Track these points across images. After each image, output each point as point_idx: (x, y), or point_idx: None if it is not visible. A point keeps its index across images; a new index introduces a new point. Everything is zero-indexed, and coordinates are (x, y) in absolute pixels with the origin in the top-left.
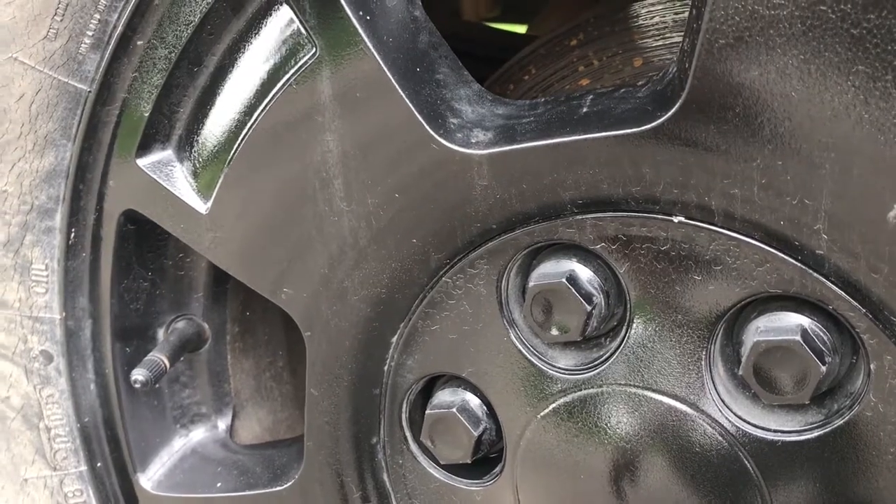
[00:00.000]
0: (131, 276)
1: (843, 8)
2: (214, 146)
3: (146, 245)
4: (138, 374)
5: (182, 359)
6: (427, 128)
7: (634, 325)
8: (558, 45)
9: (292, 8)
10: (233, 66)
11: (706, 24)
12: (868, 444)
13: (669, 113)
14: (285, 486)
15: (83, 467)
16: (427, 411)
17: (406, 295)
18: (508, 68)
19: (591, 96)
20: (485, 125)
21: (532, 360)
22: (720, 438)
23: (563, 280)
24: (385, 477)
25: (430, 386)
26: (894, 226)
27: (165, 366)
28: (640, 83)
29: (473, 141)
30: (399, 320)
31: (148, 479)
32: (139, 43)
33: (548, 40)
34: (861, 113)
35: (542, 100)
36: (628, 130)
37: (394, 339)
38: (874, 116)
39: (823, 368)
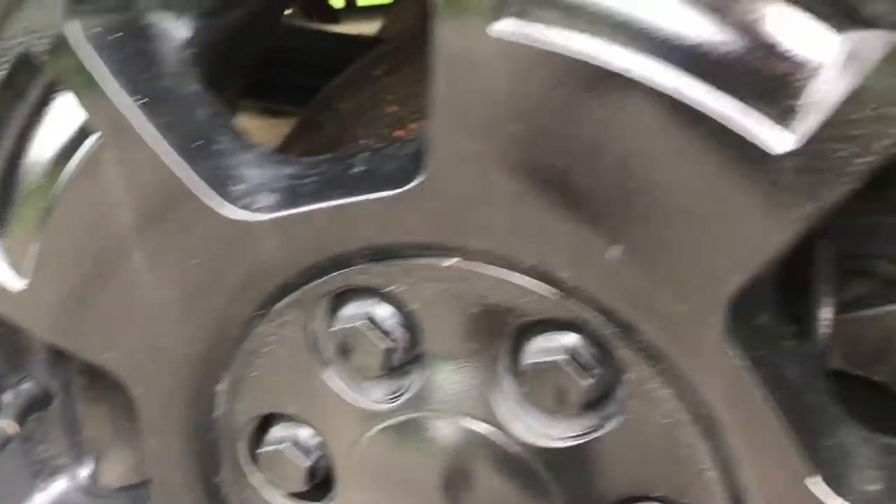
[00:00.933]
0: None
1: None
2: (24, 226)
3: None
4: None
5: (33, 417)
6: (207, 200)
7: (430, 357)
8: (366, 74)
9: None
10: (25, 150)
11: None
12: (633, 437)
13: (422, 176)
14: None
15: None
16: (260, 449)
17: (224, 347)
18: (325, 95)
19: (364, 154)
20: (270, 188)
21: (344, 395)
22: (515, 448)
23: (360, 323)
24: None
25: (269, 420)
26: (615, 263)
27: (13, 430)
28: (408, 140)
29: (257, 206)
30: (222, 370)
31: None
32: None
33: (357, 68)
34: None
35: (323, 158)
36: (390, 193)
37: (219, 388)
38: None
39: (586, 383)
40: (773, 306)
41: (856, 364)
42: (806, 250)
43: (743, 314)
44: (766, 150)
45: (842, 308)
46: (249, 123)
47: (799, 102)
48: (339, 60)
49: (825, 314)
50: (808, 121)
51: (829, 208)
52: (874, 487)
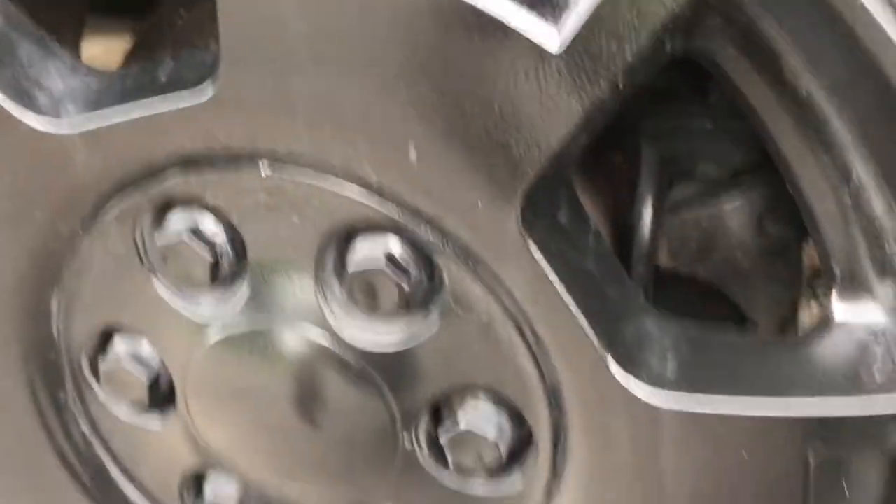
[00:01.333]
0: None
1: None
2: None
3: None
4: None
5: None
6: (8, 110)
7: (257, 267)
8: None
9: None
10: None
11: None
12: (457, 336)
13: (217, 83)
14: None
15: None
16: (100, 365)
17: (50, 264)
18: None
19: (168, 62)
20: (76, 98)
21: (175, 305)
22: (346, 353)
23: (183, 235)
24: (83, 428)
25: (109, 334)
26: (415, 163)
27: None
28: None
29: (64, 116)
30: (52, 287)
31: None
32: None
33: None
34: None
35: (130, 67)
36: (190, 100)
37: (53, 305)
38: None
39: (407, 286)
40: (572, 206)
41: (681, 263)
42: (632, 154)
43: (541, 211)
44: (539, 47)
45: (669, 209)
46: (96, 45)
47: (563, 1)
48: None
49: (647, 214)
50: (572, 18)
51: (601, 104)
52: (668, 372)
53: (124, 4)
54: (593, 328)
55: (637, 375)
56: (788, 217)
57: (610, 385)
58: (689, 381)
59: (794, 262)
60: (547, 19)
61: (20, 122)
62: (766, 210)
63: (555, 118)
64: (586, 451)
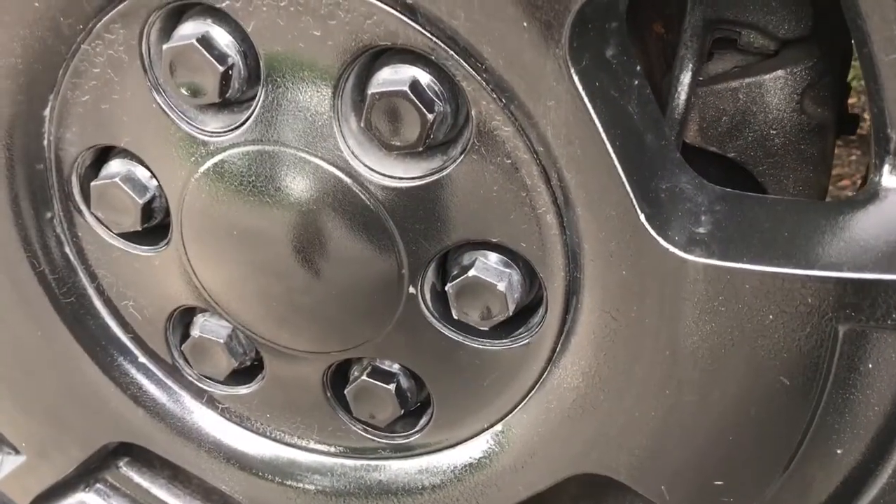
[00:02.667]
0: None
1: None
2: None
3: None
4: None
5: None
6: None
7: (270, 84)
8: None
9: None
10: None
11: None
12: (476, 180)
13: None
14: None
15: None
16: (93, 182)
17: (47, 65)
18: None
19: None
20: None
21: (180, 123)
22: (355, 187)
23: (194, 42)
24: (67, 250)
25: (104, 156)
26: None
27: None
28: None
29: None
30: (47, 92)
31: None
32: None
33: None
34: None
35: None
36: None
37: (46, 113)
38: None
39: (431, 116)
40: (620, 44)
41: (710, 139)
42: (675, 20)
43: (588, 42)
44: None
45: (706, 81)
46: None
47: None
48: None
49: (685, 78)
50: None
51: None
52: (701, 230)
53: None
54: (629, 178)
55: (669, 231)
56: (829, 97)
57: (638, 240)
58: (722, 240)
59: (827, 147)
60: None
61: None
62: (808, 86)
63: None
64: (600, 311)
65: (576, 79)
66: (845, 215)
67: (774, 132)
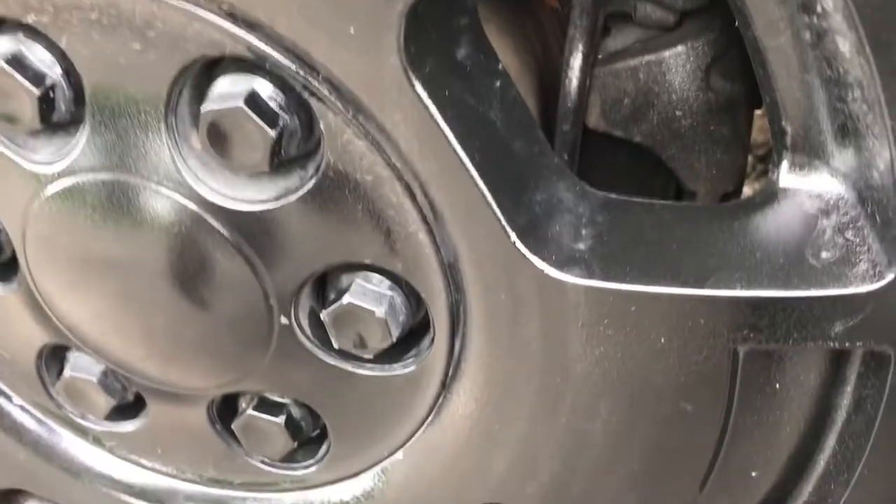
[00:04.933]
0: None
1: None
2: None
3: None
4: None
5: None
6: None
7: (95, 105)
8: None
9: None
10: None
11: None
12: (337, 199)
13: None
14: None
15: None
16: None
17: None
18: None
19: None
20: None
21: (6, 152)
22: (203, 214)
23: (2, 63)
24: None
25: None
26: None
27: None
28: None
29: None
30: None
31: None
32: None
33: None
34: None
35: None
36: None
37: None
38: None
39: (273, 132)
40: (474, 41)
41: (614, 123)
42: None
43: (431, 43)
44: None
45: (603, 60)
46: None
47: None
48: None
49: (576, 62)
50: None
51: None
52: (581, 246)
53: None
54: (494, 194)
55: (546, 250)
56: (737, 71)
57: (511, 261)
58: (605, 257)
59: (741, 125)
60: None
61: None
62: (713, 60)
63: None
64: (485, 335)
65: (419, 87)
66: (740, 221)
67: (680, 113)
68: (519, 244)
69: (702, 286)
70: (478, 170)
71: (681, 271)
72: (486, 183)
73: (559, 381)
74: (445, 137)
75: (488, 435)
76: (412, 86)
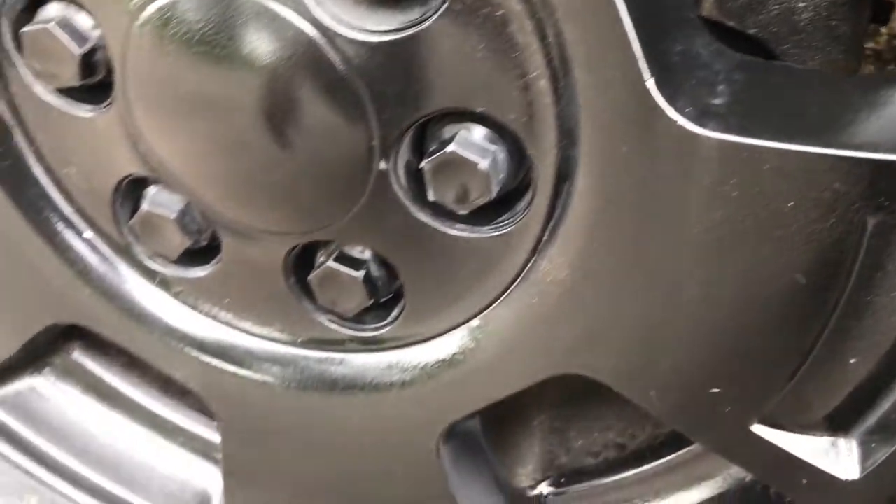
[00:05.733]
0: None
1: None
2: None
3: None
4: None
5: None
6: None
7: None
8: None
9: None
10: None
11: None
12: (459, 36)
13: None
14: None
15: None
16: (24, 28)
17: None
18: None
19: None
20: None
21: None
22: (319, 40)
23: None
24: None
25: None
26: None
27: None
28: None
29: None
30: None
31: None
32: None
33: None
34: None
35: None
36: None
37: None
38: None
39: None
40: None
41: (728, 12)
42: None
43: None
44: None
45: None
46: None
47: None
48: None
49: None
50: None
51: None
52: (717, 101)
53: None
54: (637, 35)
55: (680, 101)
56: None
57: (643, 110)
58: (742, 113)
59: (861, 24)
60: None
61: None
62: None
63: None
64: (596, 194)
65: None
66: (885, 91)
67: (803, 4)
68: (655, 91)
69: (843, 147)
70: (625, 7)
71: (821, 132)
72: (631, 23)
73: (668, 246)
74: None
75: (578, 303)
76: None
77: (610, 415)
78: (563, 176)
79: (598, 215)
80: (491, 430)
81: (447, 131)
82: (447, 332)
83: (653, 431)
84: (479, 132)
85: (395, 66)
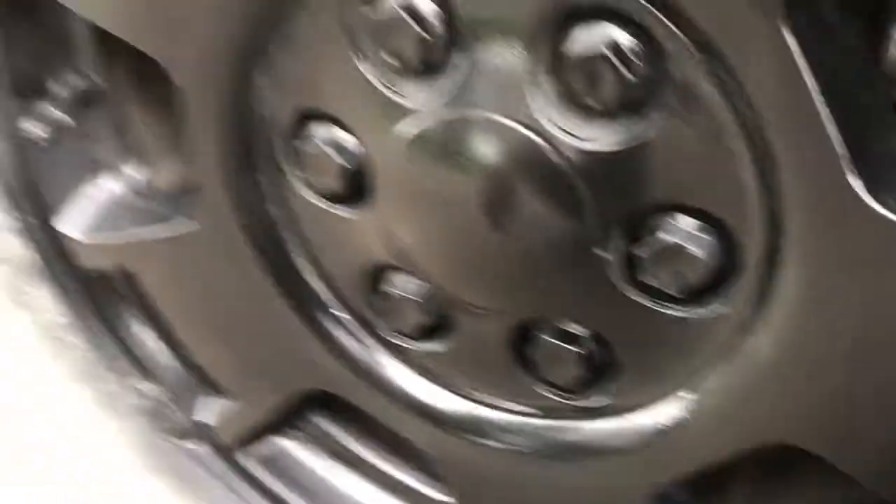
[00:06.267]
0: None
1: None
2: None
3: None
4: (39, 128)
5: (81, 111)
6: None
7: (467, 50)
8: None
9: None
10: None
11: None
12: (675, 142)
13: None
14: (187, 223)
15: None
16: (297, 145)
17: (261, 33)
18: None
19: None
20: None
21: (381, 90)
22: (547, 150)
23: (398, 9)
24: (269, 207)
25: (309, 118)
26: None
27: (65, 119)
28: None
29: None
30: (260, 57)
31: (66, 225)
32: None
33: None
34: None
35: None
36: None
37: (257, 78)
38: None
39: (630, 77)
40: (838, 2)
41: None
42: None
43: (802, 2)
44: None
45: None
46: None
47: None
48: None
49: None
50: None
51: None
52: None
53: None
54: (840, 138)
55: (883, 196)
56: None
57: (848, 205)
58: None
59: None
60: None
61: None
62: None
63: None
64: (804, 276)
65: (791, 38)
66: None
67: None
68: (858, 186)
69: None
70: (828, 115)
71: None
72: (834, 128)
73: (870, 326)
74: (805, 87)
75: (785, 377)
76: (782, 35)
77: (813, 485)
78: (771, 261)
79: (804, 297)
80: (697, 498)
81: (660, 221)
82: (660, 401)
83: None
84: (692, 222)
85: (615, 169)
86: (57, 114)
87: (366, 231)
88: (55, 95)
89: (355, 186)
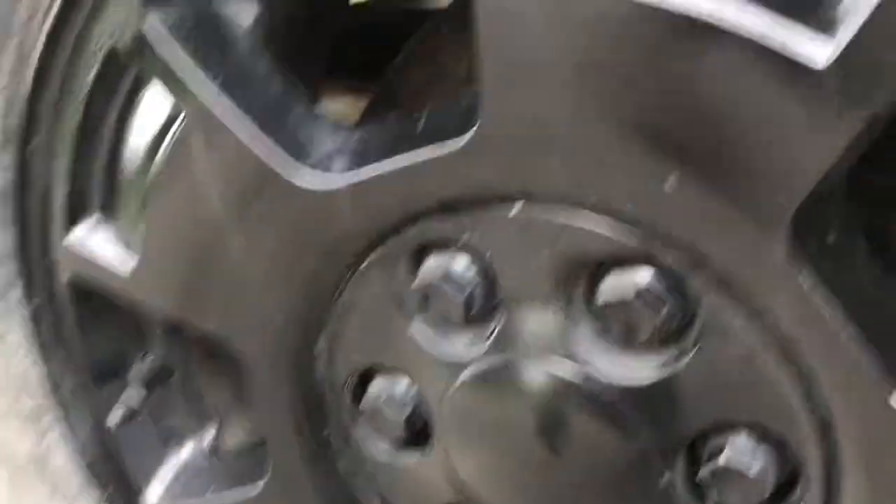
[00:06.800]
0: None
1: None
2: (130, 208)
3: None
4: (119, 411)
5: (157, 388)
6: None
7: (508, 303)
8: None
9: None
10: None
11: None
12: (712, 368)
13: (475, 127)
14: (261, 484)
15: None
16: (360, 403)
17: (319, 309)
18: (395, 66)
19: (426, 112)
20: (343, 154)
21: (431, 347)
22: (597, 389)
23: (438, 278)
24: (337, 460)
25: (369, 373)
26: (675, 192)
27: (142, 398)
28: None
29: (333, 171)
30: (319, 331)
31: (152, 497)
32: None
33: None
34: None
35: (389, 122)
36: (449, 146)
37: (319, 347)
38: None
39: (659, 318)
40: (842, 225)
41: None
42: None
43: (810, 234)
44: (808, 64)
45: None
46: (337, 102)
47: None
48: None
49: None
50: (848, 28)
51: (875, 119)
52: None
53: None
54: (874, 359)
55: None
56: None
57: (891, 420)
58: None
59: None
60: (817, 31)
61: (290, 182)
62: None
63: (823, 139)
64: (864, 489)
65: (803, 272)
66: None
67: None
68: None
69: None
70: (857, 339)
71: None
72: (865, 350)
73: None
74: (826, 314)
75: None
76: (796, 271)
77: None
78: (829, 473)
79: (864, 500)
80: None
81: (715, 442)
82: None
83: None
84: (744, 440)
85: (658, 399)
86: (134, 395)
87: (429, 471)
88: (131, 379)
89: (417, 432)
